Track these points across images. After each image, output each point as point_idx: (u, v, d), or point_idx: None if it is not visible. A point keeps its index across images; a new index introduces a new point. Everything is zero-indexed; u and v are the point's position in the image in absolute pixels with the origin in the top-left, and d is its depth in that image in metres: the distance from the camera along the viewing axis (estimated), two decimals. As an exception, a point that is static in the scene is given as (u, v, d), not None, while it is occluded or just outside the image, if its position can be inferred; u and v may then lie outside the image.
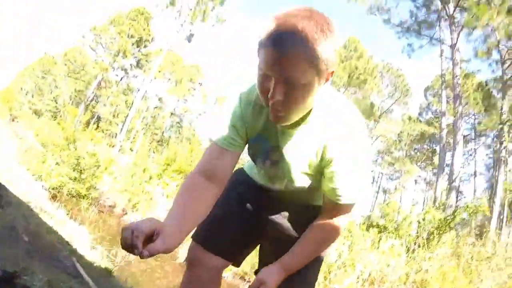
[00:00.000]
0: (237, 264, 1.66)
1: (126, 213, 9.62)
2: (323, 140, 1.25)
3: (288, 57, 1.00)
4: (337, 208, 1.36)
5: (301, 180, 1.38)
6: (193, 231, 1.50)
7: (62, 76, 41.28)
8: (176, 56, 37.50)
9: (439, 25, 18.46)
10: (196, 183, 1.32)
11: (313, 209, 1.50)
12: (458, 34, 16.01)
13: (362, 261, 5.82)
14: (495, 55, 15.67)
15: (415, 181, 41.57)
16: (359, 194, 1.36)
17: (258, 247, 1.71)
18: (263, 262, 1.60)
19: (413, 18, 19.02)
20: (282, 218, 1.57)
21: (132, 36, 34.33)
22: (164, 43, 26.40)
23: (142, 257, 0.98)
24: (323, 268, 6.00)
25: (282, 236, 1.54)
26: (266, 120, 1.32)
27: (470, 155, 33.56)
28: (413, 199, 40.42)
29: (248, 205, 1.60)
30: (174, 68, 37.75)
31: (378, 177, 45.75)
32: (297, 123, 1.25)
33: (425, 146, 36.05)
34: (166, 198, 9.79)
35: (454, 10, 16.24)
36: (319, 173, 1.34)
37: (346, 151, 1.25)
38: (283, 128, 1.28)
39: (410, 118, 34.98)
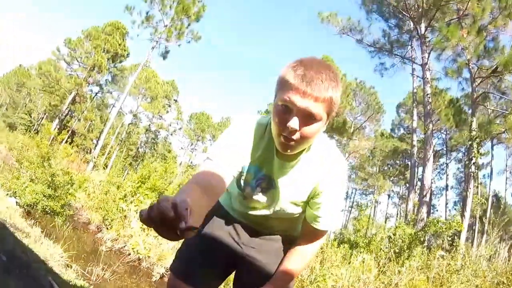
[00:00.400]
0: None
1: (100, 231, 9.53)
2: (318, 175, 1.44)
3: (316, 97, 1.19)
4: (316, 233, 1.55)
5: (289, 209, 1.54)
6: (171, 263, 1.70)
7: (37, 89, 40.61)
8: (151, 72, 37.39)
9: (411, 45, 19.12)
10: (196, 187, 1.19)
11: (285, 238, 1.69)
12: (429, 54, 16.55)
13: (334, 276, 5.93)
14: (465, 73, 16.17)
15: (388, 195, 42.33)
16: (337, 221, 1.56)
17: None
18: (238, 285, 1.74)
19: (386, 38, 19.64)
20: (256, 250, 1.67)
21: (107, 51, 34.03)
22: (140, 59, 26.23)
23: (183, 231, 0.88)
24: (297, 284, 6.10)
25: (256, 263, 1.65)
26: (265, 151, 1.45)
27: (442, 169, 34.50)
28: (387, 213, 41.20)
29: (224, 238, 1.68)
30: (150, 84, 37.54)
31: (352, 192, 46.38)
32: (295, 157, 1.41)
33: (398, 162, 36.80)
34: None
35: (426, 30, 16.82)
36: (306, 202, 1.52)
37: (335, 186, 1.47)
38: (282, 160, 1.43)
39: (382, 134, 35.76)
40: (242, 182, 1.52)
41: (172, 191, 10.86)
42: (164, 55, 24.88)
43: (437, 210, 38.20)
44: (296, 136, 1.24)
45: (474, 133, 13.88)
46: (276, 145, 1.33)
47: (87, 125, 40.43)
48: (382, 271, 6.42)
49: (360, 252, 7.19)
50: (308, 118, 1.21)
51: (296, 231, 1.67)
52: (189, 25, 24.24)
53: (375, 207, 41.67)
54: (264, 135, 1.46)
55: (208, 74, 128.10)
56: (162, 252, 7.44)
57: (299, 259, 1.57)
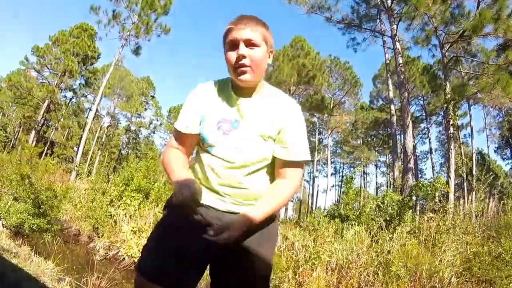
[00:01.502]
0: None
1: (92, 240, 9.45)
2: (278, 109, 1.61)
3: (250, 27, 1.53)
4: (291, 167, 1.63)
5: (256, 147, 1.59)
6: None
7: (9, 103, 39.67)
8: (124, 71, 36.84)
9: (380, 18, 19.24)
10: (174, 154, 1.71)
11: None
12: (397, 25, 16.76)
13: (328, 252, 6.02)
14: (434, 41, 16.36)
15: (376, 165, 43.04)
16: (307, 154, 1.65)
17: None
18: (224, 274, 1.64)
19: (355, 14, 19.71)
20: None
21: (77, 54, 33.37)
22: (111, 59, 25.82)
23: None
24: (292, 264, 6.19)
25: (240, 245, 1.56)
26: (222, 96, 1.67)
27: (424, 134, 35.17)
28: (377, 183, 41.91)
29: (195, 229, 1.52)
30: (124, 83, 37.02)
31: (340, 167, 46.96)
32: (252, 91, 1.65)
33: (381, 132, 37.29)
34: (130, 219, 9.60)
35: (392, 3, 16.99)
36: (272, 139, 1.61)
37: (297, 119, 1.64)
38: (240, 96, 1.63)
39: (362, 107, 36.17)
40: (205, 132, 1.64)
41: (158, 190, 10.74)
42: (136, 52, 24.58)
43: (425, 174, 39.13)
44: (247, 61, 1.52)
45: (448, 96, 14.17)
46: (234, 79, 1.59)
47: (66, 133, 39.80)
48: (374, 240, 6.54)
49: (352, 225, 7.30)
50: (250, 44, 1.52)
51: None
52: (156, 19, 23.95)
53: (364, 178, 42.44)
54: (219, 87, 1.69)
55: (184, 66, 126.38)
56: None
57: (279, 193, 1.60)
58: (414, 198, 9.59)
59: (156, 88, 46.44)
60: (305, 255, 6.32)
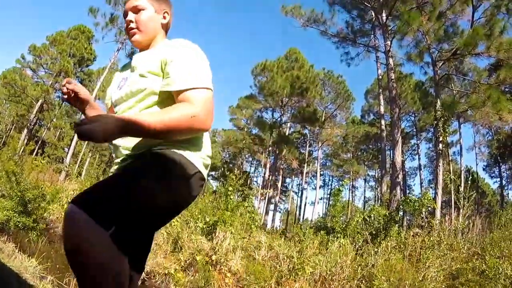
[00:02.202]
0: None
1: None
2: (165, 50, 1.61)
3: None
4: (183, 98, 1.44)
5: (139, 81, 1.58)
6: None
7: (2, 100, 39.38)
8: (118, 74, 36.69)
9: (374, 34, 19.51)
10: None
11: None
12: (391, 41, 16.99)
13: (312, 263, 6.04)
14: (427, 58, 16.57)
15: (365, 179, 43.27)
16: (195, 78, 1.47)
17: None
18: None
19: (349, 28, 20.01)
20: None
21: (73, 56, 33.32)
22: (106, 62, 25.79)
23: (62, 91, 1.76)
24: (275, 274, 6.20)
25: None
26: (128, 65, 1.82)
27: (414, 150, 35.54)
28: (366, 196, 42.09)
29: None
30: (118, 87, 36.85)
31: (329, 180, 47.10)
32: (147, 47, 1.76)
33: (371, 146, 37.56)
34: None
35: (387, 19, 17.23)
36: (154, 74, 1.58)
37: (183, 51, 1.57)
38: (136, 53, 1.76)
39: (354, 121, 36.47)
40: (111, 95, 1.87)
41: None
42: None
43: (413, 190, 39.39)
44: (133, 25, 1.69)
45: (439, 113, 14.36)
46: (131, 42, 1.74)
47: (57, 133, 39.54)
48: (359, 253, 6.58)
49: (337, 238, 7.34)
50: (136, 10, 1.70)
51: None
52: (154, 24, 23.96)
53: (352, 192, 42.57)
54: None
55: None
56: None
57: (168, 109, 1.38)
58: (401, 213, 9.67)
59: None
60: (288, 266, 6.35)
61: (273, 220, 32.91)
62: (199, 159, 1.54)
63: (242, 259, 7.00)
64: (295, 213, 42.22)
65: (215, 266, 6.72)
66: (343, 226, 8.18)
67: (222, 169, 38.78)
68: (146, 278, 6.77)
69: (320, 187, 41.90)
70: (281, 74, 28.74)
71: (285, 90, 27.73)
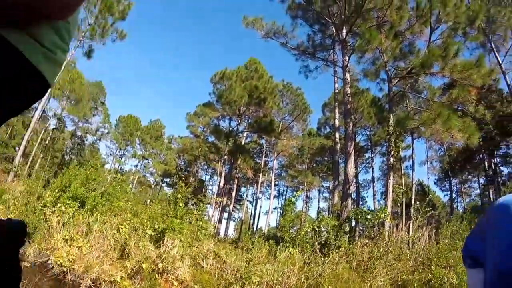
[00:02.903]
0: None
1: (23, 244, 8.83)
2: None
3: None
4: None
5: None
6: None
7: None
8: (76, 73, 35.59)
9: (333, 49, 19.93)
10: None
11: None
12: (349, 57, 17.39)
13: (259, 273, 5.93)
14: (383, 75, 17.07)
15: (319, 191, 43.91)
16: None
17: None
18: None
19: (310, 42, 20.36)
20: None
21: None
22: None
23: None
24: (222, 282, 6.04)
25: None
26: None
27: (368, 163, 36.52)
28: (319, 207, 42.67)
29: None
30: (74, 86, 35.68)
31: (283, 190, 47.44)
32: None
33: (326, 158, 38.17)
34: (63, 226, 9.12)
35: (346, 35, 17.65)
36: None
37: None
38: None
39: (310, 133, 37.02)
40: None
41: (94, 199, 10.33)
42: (88, 54, 23.82)
43: (366, 202, 40.35)
44: None
45: (391, 128, 14.77)
46: None
47: (9, 131, 37.75)
48: (307, 263, 6.52)
49: (286, 247, 7.26)
50: None
51: None
52: (113, 23, 23.43)
53: (306, 203, 43.04)
54: None
55: (138, 75, 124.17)
56: (88, 263, 7.04)
57: None
58: (354, 224, 9.74)
59: (107, 95, 44.96)
60: (236, 275, 6.20)
61: (226, 229, 32.63)
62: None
63: (190, 267, 6.82)
64: (249, 222, 42.11)
65: (161, 274, 6.51)
66: (293, 236, 8.12)
67: (177, 176, 38.21)
68: (92, 286, 6.50)
69: (274, 197, 42.16)
70: (240, 83, 28.80)
71: (243, 99, 27.79)
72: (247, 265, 6.29)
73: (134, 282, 6.32)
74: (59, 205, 9.79)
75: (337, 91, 20.03)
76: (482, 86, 24.15)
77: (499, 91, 29.60)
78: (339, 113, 19.94)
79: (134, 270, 6.61)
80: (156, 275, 6.40)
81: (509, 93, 22.70)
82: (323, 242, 7.64)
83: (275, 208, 44.57)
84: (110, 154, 48.19)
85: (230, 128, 31.60)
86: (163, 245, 7.14)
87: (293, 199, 9.50)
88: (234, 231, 39.47)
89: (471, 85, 15.28)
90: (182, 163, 47.52)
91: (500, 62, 21.15)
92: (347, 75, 16.99)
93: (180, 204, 8.14)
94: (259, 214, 42.23)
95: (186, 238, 7.53)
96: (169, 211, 8.53)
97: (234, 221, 45.84)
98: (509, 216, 1.12)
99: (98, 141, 46.69)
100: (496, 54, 21.16)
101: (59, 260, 7.46)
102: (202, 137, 38.65)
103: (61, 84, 33.18)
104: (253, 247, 7.34)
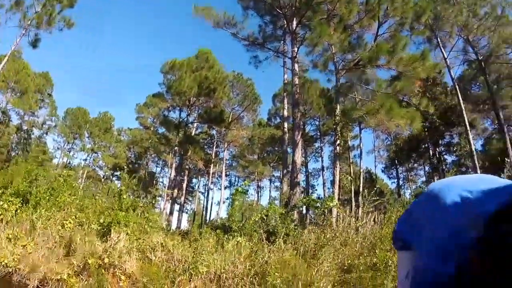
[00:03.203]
0: None
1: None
2: None
3: None
4: None
5: None
6: None
7: None
8: (22, 63, 33.77)
9: (284, 40, 20.10)
10: None
11: None
12: (298, 48, 17.62)
13: (206, 262, 5.91)
14: (332, 66, 17.42)
15: (270, 180, 44.45)
16: None
17: None
18: None
19: (261, 33, 20.43)
20: None
21: (-32, 40, 29.83)
22: (7, 49, 23.21)
23: None
24: (170, 274, 5.97)
25: None
26: None
27: (317, 152, 37.39)
28: (271, 196, 43.18)
29: None
30: (20, 77, 33.86)
31: (235, 180, 47.67)
32: None
33: (276, 148, 38.66)
34: (6, 225, 8.67)
35: (297, 27, 17.84)
36: None
37: None
38: None
39: (260, 124, 37.30)
40: None
41: (36, 194, 9.85)
42: (34, 43, 22.59)
43: (316, 190, 41.27)
44: None
45: (337, 118, 15.17)
46: None
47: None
48: (254, 251, 6.56)
49: (234, 236, 7.27)
50: None
51: None
52: (61, 11, 22.33)
53: (258, 192, 43.44)
54: None
55: (86, 66, 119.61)
56: (34, 262, 6.72)
57: None
58: (305, 212, 9.89)
59: (55, 86, 42.85)
60: (183, 266, 6.14)
61: (179, 221, 32.32)
62: None
63: (138, 260, 6.68)
64: (202, 214, 41.91)
65: (108, 269, 6.34)
66: (240, 225, 8.15)
67: (127, 169, 37.36)
68: (39, 286, 6.24)
69: (226, 188, 42.19)
70: (190, 73, 28.52)
71: (193, 89, 27.56)
72: (194, 256, 6.24)
73: (82, 279, 6.13)
74: (1, 202, 9.32)
75: (286, 81, 20.24)
76: (427, 79, 25.53)
77: (444, 84, 31.26)
78: (288, 104, 20.16)
79: (81, 266, 6.40)
80: (103, 270, 6.23)
81: (453, 86, 23.86)
82: (270, 230, 7.72)
83: (227, 199, 44.68)
84: (58, 148, 46.29)
85: (180, 119, 31.27)
86: (109, 239, 6.97)
87: (240, 189, 9.52)
88: (187, 223, 39.20)
89: (416, 78, 15.98)
90: (132, 155, 46.47)
91: (446, 56, 22.24)
92: (296, 66, 17.23)
93: (124, 196, 7.96)
94: (211, 205, 42.14)
95: (133, 231, 7.37)
96: (114, 204, 8.31)
97: (187, 213, 45.45)
98: (432, 202, 1.11)
99: (45, 135, 44.61)
100: (442, 49, 22.21)
101: (3, 260, 7.10)
102: (152, 128, 37.94)
103: (6, 75, 31.38)
104: (200, 238, 7.30)
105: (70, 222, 8.15)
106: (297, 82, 16.94)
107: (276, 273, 5.56)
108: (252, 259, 6.15)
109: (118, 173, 47.02)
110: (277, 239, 7.00)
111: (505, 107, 29.36)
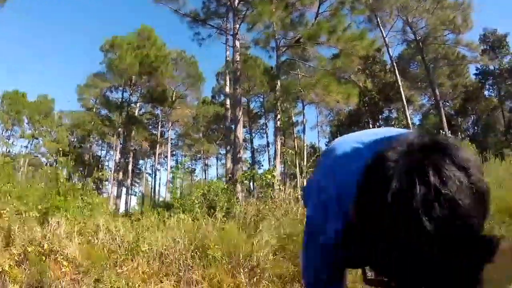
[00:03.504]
0: None
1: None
2: None
3: None
4: None
5: None
6: None
7: None
8: None
9: (227, 17, 19.91)
10: None
11: None
12: (240, 25, 17.62)
13: (148, 240, 6.02)
14: (273, 44, 17.60)
15: (217, 158, 44.79)
16: None
17: None
18: None
19: (205, 9, 20.07)
20: None
21: None
22: None
23: None
24: (111, 255, 6.01)
25: None
26: None
27: (262, 129, 38.13)
28: (218, 174, 43.53)
29: None
30: None
31: (182, 160, 47.63)
32: None
33: (221, 126, 38.89)
34: None
35: (239, 3, 17.78)
36: None
37: None
38: None
39: (204, 102, 37.19)
40: None
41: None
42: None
43: (262, 165, 42.07)
44: None
45: (278, 93, 15.52)
46: None
47: None
48: (195, 226, 6.72)
49: (176, 213, 7.41)
50: None
51: None
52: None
53: (205, 170, 43.64)
54: None
55: (22, 46, 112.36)
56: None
57: None
58: (251, 186, 10.13)
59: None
60: (125, 246, 6.20)
61: (127, 204, 31.96)
62: None
63: (80, 245, 6.64)
64: (151, 195, 41.55)
65: (49, 256, 6.26)
66: (182, 202, 8.28)
67: (70, 154, 36.10)
68: None
69: (172, 168, 42.05)
70: (131, 51, 27.74)
71: (134, 68, 26.89)
72: (135, 235, 6.31)
73: (25, 268, 6.02)
74: None
75: (228, 59, 20.22)
76: (368, 57, 26.51)
77: (384, 62, 32.67)
78: (229, 81, 20.21)
79: (21, 256, 6.28)
80: (44, 257, 6.15)
81: (391, 64, 24.93)
82: (212, 205, 7.92)
83: (173, 178, 44.68)
84: (-8, 138, 43.72)
85: (123, 99, 30.50)
86: (48, 225, 6.87)
87: (179, 165, 9.64)
88: (136, 205, 38.80)
89: (355, 55, 16.55)
90: (75, 139, 44.84)
91: (385, 36, 23.18)
92: (237, 43, 17.32)
93: (62, 180, 7.83)
94: (160, 185, 41.88)
95: (73, 215, 7.30)
96: (52, 190, 8.16)
97: (135, 195, 44.82)
98: (327, 155, 1.19)
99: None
100: (381, 29, 23.04)
101: None
102: (94, 110, 36.64)
103: None
104: (142, 217, 7.37)
105: (7, 211, 7.92)
106: (238, 59, 17.04)
107: (216, 246, 5.76)
108: (193, 234, 6.30)
109: (61, 159, 45.19)
110: (217, 213, 7.20)
111: (441, 85, 31.92)
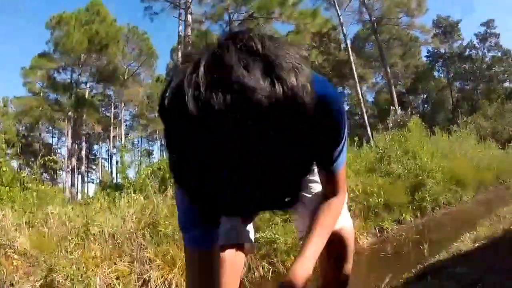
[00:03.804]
0: None
1: None
2: None
3: None
4: None
5: None
6: None
7: None
8: None
9: (178, -11, 19.33)
10: None
11: None
12: (192, -1, 17.19)
13: (97, 223, 5.92)
14: (226, 18, 17.41)
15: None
16: None
17: None
18: None
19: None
20: None
21: None
22: None
23: None
24: (62, 242, 5.88)
25: None
26: None
27: (219, 103, 38.35)
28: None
29: None
30: None
31: (138, 141, 46.89)
32: None
33: (177, 104, 38.59)
34: None
35: (191, -25, 17.31)
36: None
37: None
38: None
39: (158, 79, 36.38)
40: None
41: None
42: None
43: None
44: None
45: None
46: None
47: None
48: (146, 205, 6.65)
49: (128, 194, 7.30)
50: None
51: None
52: None
53: (162, 151, 43.26)
54: None
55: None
56: None
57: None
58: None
59: None
60: (75, 231, 6.06)
61: (82, 191, 31.06)
62: None
63: (30, 236, 6.42)
64: (111, 181, 40.61)
65: (-3, 251, 6.00)
66: (132, 182, 8.17)
67: (20, 144, 34.50)
68: None
69: (115, 147, 41.26)
70: (80, 28, 26.55)
71: (82, 45, 25.80)
72: (84, 219, 6.17)
73: (-26, 267, 5.76)
74: None
75: (181, 34, 19.74)
76: (322, 35, 27.06)
77: (339, 40, 33.58)
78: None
79: (-31, 254, 6.00)
80: (-8, 253, 5.90)
81: (345, 43, 25.65)
82: (164, 183, 7.88)
83: (132, 161, 43.94)
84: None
85: (71, 80, 29.27)
86: (-7, 219, 6.59)
87: (128, 144, 9.48)
88: (94, 193, 37.78)
89: (308, 32, 16.66)
90: (23, 128, 42.73)
91: (339, 14, 23.58)
92: (189, 16, 17.09)
93: (4, 169, 7.51)
94: (117, 169, 41.00)
95: (20, 205, 7.04)
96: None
97: (93, 182, 43.59)
98: None
99: None
100: (337, 7, 23.30)
101: None
102: (42, 94, 34.85)
103: None
104: (92, 200, 7.22)
105: None
106: (189, 33, 16.79)
107: (166, 222, 5.72)
108: (143, 212, 6.25)
109: (10, 151, 43.12)
110: (168, 190, 7.15)
111: (394, 65, 34.35)
